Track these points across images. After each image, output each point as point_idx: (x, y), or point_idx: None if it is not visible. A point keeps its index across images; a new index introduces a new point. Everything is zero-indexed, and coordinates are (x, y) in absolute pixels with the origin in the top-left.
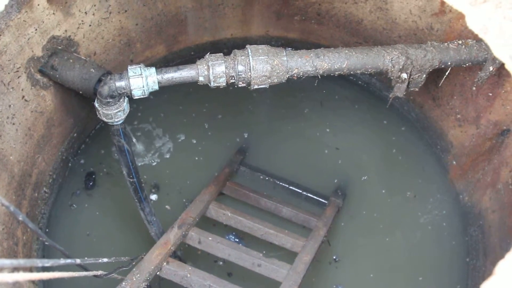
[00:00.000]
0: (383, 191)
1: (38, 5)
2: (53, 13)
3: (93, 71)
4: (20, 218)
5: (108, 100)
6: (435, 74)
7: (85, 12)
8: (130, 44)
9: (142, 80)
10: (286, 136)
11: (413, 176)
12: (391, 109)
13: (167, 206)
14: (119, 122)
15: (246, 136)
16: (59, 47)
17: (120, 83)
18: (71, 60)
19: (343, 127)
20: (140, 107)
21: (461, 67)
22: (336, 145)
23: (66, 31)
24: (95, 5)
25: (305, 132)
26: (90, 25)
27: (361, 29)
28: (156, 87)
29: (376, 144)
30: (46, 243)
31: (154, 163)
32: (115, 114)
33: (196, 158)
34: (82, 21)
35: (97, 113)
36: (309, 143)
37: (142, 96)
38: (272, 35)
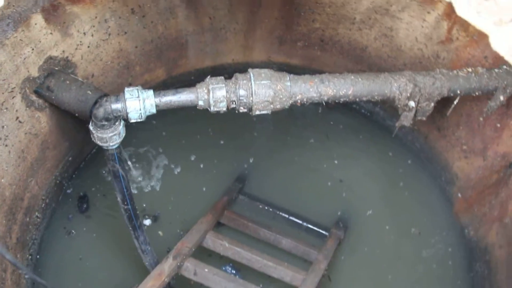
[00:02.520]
0: (387, 227)
1: (36, 24)
2: (51, 33)
3: (90, 93)
4: None
5: (103, 123)
6: (441, 104)
7: (84, 33)
8: (129, 67)
9: (139, 103)
10: (287, 165)
11: (418, 211)
12: (395, 140)
13: (159, 232)
14: (114, 146)
15: (251, 161)
16: (56, 68)
17: (116, 106)
18: (67, 82)
19: (347, 158)
20: (139, 130)
21: (468, 97)
22: (340, 177)
23: (63, 51)
24: (94, 26)
25: (307, 162)
26: (88, 46)
27: (366, 56)
28: (154, 111)
29: (381, 177)
30: (26, 276)
31: (150, 189)
32: (110, 138)
33: (195, 185)
34: (80, 42)
35: (92, 136)
36: (311, 174)
37: (139, 120)
38: (274, 60)
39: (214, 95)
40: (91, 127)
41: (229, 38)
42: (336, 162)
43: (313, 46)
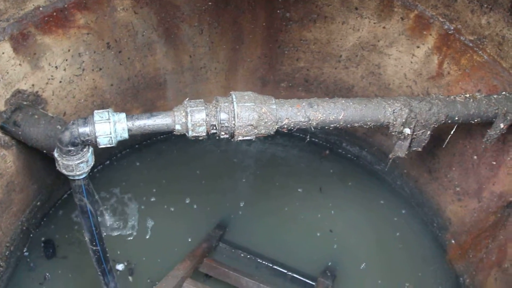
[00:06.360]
0: (379, 281)
1: (3, 53)
2: (20, 64)
3: (60, 127)
4: None
5: (69, 148)
6: (432, 143)
7: (56, 67)
8: (104, 106)
9: (109, 126)
10: (272, 213)
11: (411, 262)
12: (385, 186)
13: (129, 278)
14: (82, 177)
15: (233, 209)
16: (25, 103)
17: (84, 129)
18: (36, 116)
19: (336, 206)
20: (120, 172)
21: (460, 135)
22: (330, 227)
23: (33, 85)
24: (66, 60)
25: (294, 210)
26: (60, 82)
27: (352, 96)
28: (126, 135)
29: (373, 227)
30: None
31: (124, 234)
32: (76, 165)
33: (173, 230)
34: (51, 76)
35: (56, 164)
36: (298, 223)
37: (109, 145)
38: None
39: (193, 118)
40: (56, 154)
41: (209, 78)
42: (325, 211)
43: (297, 87)
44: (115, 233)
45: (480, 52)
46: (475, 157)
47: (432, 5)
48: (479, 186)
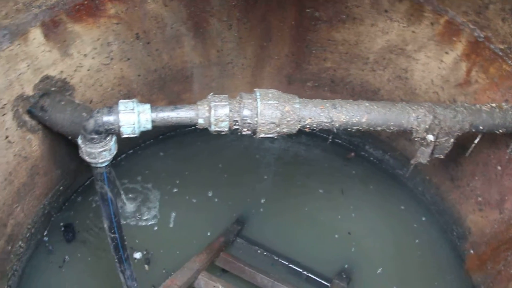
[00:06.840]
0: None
1: (34, 39)
2: (49, 51)
3: (85, 115)
4: None
5: (93, 136)
6: (456, 151)
7: (85, 55)
8: (130, 96)
9: (133, 116)
10: (291, 212)
11: (429, 271)
12: (406, 190)
13: (145, 266)
14: (104, 164)
15: (253, 205)
16: (53, 89)
17: (108, 118)
18: (62, 102)
19: (357, 209)
20: (144, 162)
21: (485, 144)
22: (349, 229)
23: (62, 72)
24: (96, 48)
25: (314, 210)
26: (88, 70)
27: (377, 99)
28: (149, 126)
29: (392, 232)
30: None
31: (145, 224)
32: (99, 153)
33: (194, 222)
34: (80, 63)
35: (79, 151)
36: (316, 223)
37: (132, 135)
38: None
39: (216, 113)
40: (79, 141)
41: (236, 74)
42: (345, 213)
43: (323, 87)
44: (136, 222)
45: (509, 61)
46: (499, 167)
47: (463, 12)
48: (502, 197)
